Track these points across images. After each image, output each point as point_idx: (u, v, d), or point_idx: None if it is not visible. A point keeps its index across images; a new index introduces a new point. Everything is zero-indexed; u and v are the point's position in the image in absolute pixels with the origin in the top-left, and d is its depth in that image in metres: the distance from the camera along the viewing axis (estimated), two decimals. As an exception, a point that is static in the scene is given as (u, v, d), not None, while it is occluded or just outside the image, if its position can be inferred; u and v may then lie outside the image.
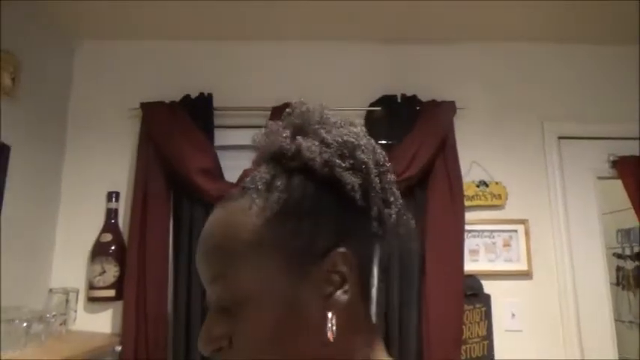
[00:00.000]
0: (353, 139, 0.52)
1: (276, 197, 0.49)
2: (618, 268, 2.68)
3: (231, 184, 1.91)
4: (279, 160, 0.52)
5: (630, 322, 2.69)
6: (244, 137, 2.07)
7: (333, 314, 0.48)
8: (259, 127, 2.06)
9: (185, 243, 1.93)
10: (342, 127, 0.54)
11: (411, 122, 1.96)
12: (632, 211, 2.13)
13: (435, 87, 2.07)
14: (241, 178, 1.92)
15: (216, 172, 1.94)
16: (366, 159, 0.51)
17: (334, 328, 0.47)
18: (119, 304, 1.94)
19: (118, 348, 1.82)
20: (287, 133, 0.53)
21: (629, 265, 2.72)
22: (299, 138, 0.52)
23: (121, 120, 2.09)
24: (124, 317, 1.87)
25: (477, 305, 1.98)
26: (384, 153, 0.55)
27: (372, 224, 0.51)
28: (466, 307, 1.94)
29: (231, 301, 0.48)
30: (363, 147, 0.52)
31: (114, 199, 2.03)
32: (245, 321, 0.48)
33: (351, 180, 0.50)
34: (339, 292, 0.48)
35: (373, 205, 0.51)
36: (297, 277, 0.48)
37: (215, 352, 0.49)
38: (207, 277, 0.51)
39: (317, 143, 0.51)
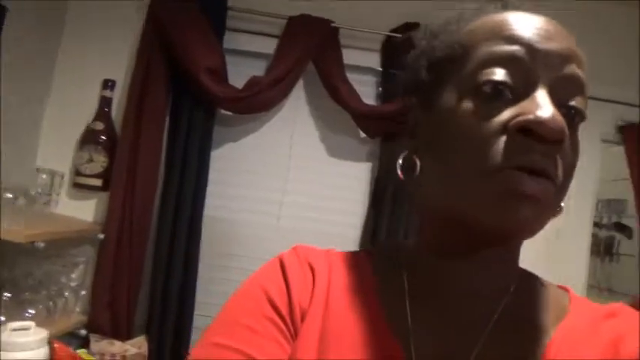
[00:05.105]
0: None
1: None
2: (592, 235, 2.77)
3: (237, 89, 1.84)
4: None
5: (591, 285, 2.82)
6: (255, 44, 1.99)
7: None
8: (272, 35, 1.96)
9: (180, 144, 1.87)
10: None
11: (430, 55, 1.90)
12: (616, 183, 2.17)
13: (459, 22, 1.99)
14: (248, 85, 1.85)
15: (223, 75, 1.85)
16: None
17: None
18: (104, 195, 1.89)
19: (101, 236, 1.80)
20: None
21: (603, 233, 2.82)
22: None
23: (126, 5, 1.95)
24: (110, 207, 1.83)
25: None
26: None
27: None
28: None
29: (584, 117, 0.49)
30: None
31: (110, 87, 1.94)
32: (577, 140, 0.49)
33: None
34: None
35: None
36: None
37: (559, 143, 0.44)
38: (579, 75, 0.48)
39: None
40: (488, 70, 0.46)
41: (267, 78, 1.83)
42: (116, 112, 1.95)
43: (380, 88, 2.01)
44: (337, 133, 2.06)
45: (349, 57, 1.96)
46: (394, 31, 1.95)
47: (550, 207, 0.46)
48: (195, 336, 1.89)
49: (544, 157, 0.44)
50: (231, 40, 1.95)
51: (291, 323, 0.50)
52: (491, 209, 0.44)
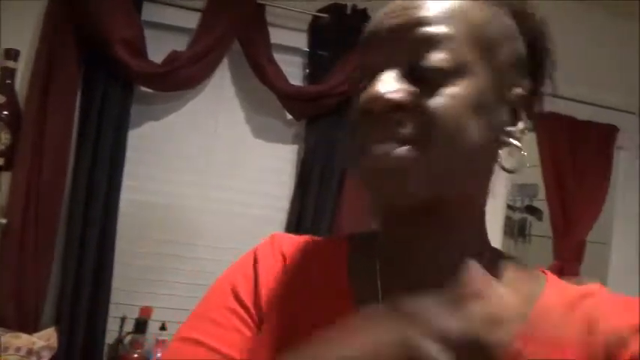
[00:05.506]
0: None
1: None
2: (506, 217, 2.93)
3: (156, 64, 1.74)
4: None
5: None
6: (177, 18, 1.89)
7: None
8: (195, 9, 1.86)
9: (93, 122, 1.74)
10: None
11: (357, 37, 1.89)
12: (528, 169, 2.29)
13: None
14: (167, 60, 1.76)
15: (141, 48, 1.74)
16: None
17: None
18: (6, 175, 1.73)
19: (3, 220, 1.65)
20: None
21: (517, 216, 2.99)
22: None
23: (31, -34, 1.78)
24: (12, 189, 1.68)
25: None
26: None
27: None
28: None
29: (449, 68, 0.46)
30: None
31: (13, 57, 1.76)
32: (452, 90, 0.46)
33: None
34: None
35: None
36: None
37: (393, 107, 0.45)
38: (426, 33, 0.47)
39: None
40: (360, 66, 0.51)
41: (188, 53, 1.75)
42: (20, 84, 1.78)
43: (307, 70, 1.98)
44: (263, 114, 2.01)
45: (276, 36, 1.91)
46: (321, 11, 1.93)
47: (422, 167, 0.45)
48: (112, 326, 1.80)
49: (389, 128, 0.45)
50: (151, 13, 1.83)
51: (256, 312, 0.53)
52: (371, 189, 0.48)
